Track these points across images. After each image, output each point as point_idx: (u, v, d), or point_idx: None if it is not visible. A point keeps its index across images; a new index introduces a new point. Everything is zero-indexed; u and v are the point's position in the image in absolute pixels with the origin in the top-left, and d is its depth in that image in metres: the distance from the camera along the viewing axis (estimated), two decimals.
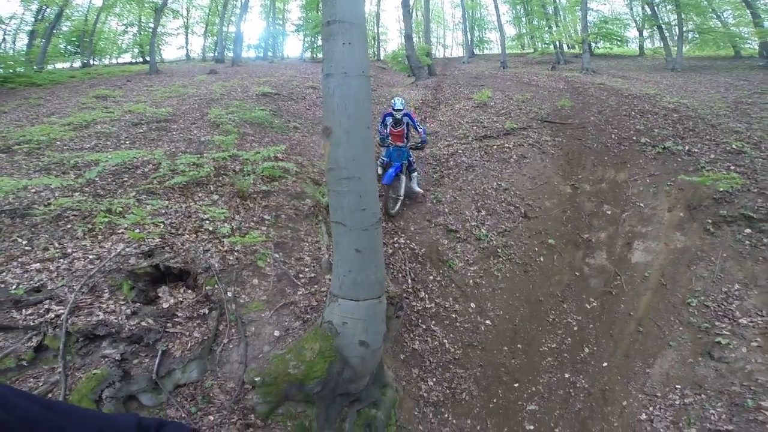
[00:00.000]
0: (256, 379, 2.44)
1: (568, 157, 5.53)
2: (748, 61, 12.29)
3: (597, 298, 4.22)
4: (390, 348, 3.63)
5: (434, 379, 3.78)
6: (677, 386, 3.58)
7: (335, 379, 2.53)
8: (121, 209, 3.30)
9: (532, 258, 4.50)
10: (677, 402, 3.50)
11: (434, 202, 5.26)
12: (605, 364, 3.88)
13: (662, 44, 13.72)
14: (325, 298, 2.96)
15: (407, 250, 4.62)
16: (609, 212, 4.71)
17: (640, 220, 4.53)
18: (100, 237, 3.00)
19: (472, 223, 4.96)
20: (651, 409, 3.54)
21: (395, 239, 4.71)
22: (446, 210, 5.16)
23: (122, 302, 2.53)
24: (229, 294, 2.86)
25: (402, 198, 5.05)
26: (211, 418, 2.41)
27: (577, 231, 4.64)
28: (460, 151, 6.07)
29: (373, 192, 2.44)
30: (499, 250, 4.65)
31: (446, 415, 3.59)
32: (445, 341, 4.06)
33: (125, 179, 3.87)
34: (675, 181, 4.75)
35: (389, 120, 5.19)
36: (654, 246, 4.29)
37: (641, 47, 17.81)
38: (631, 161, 5.21)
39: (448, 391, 3.78)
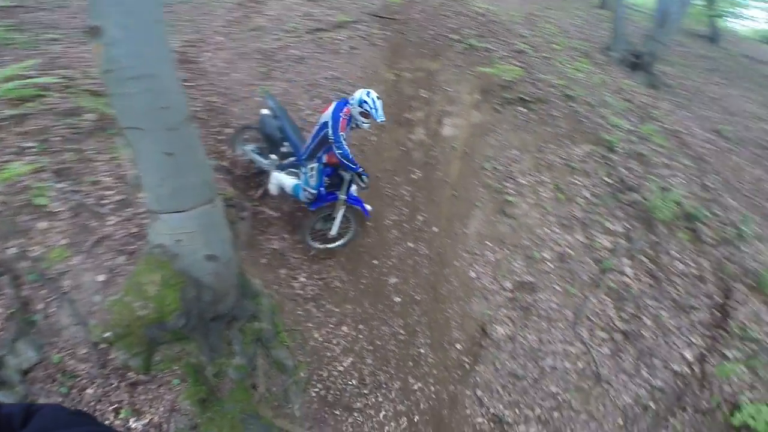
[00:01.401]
0: (106, 335, 2.14)
1: (393, 49, 5.79)
2: None
3: (420, 168, 4.83)
4: (247, 255, 3.42)
5: (304, 275, 3.80)
6: (488, 243, 4.40)
7: (196, 305, 2.30)
8: None
9: (366, 138, 4.77)
10: (491, 258, 4.30)
11: (263, 97, 4.91)
12: (435, 229, 4.51)
13: None
14: (145, 221, 2.48)
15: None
16: (425, 95, 5.25)
17: (448, 101, 5.20)
18: None
19: (307, 112, 4.87)
20: (475, 266, 4.27)
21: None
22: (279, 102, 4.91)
23: None
24: (13, 250, 2.22)
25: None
26: (90, 391, 2.15)
27: (400, 112, 5.07)
28: (290, 45, 5.69)
29: (176, 89, 2.01)
30: None
31: (327, 306, 3.69)
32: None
33: None
34: (474, 71, 5.52)
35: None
36: (458, 122, 5.06)
37: None
38: (443, 54, 5.79)
39: (321, 282, 3.84)
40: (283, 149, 3.80)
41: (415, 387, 3.71)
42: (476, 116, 5.13)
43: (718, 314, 3.87)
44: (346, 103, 3.31)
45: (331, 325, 3.65)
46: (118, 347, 2.19)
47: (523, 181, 4.70)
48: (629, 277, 4.02)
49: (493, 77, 5.43)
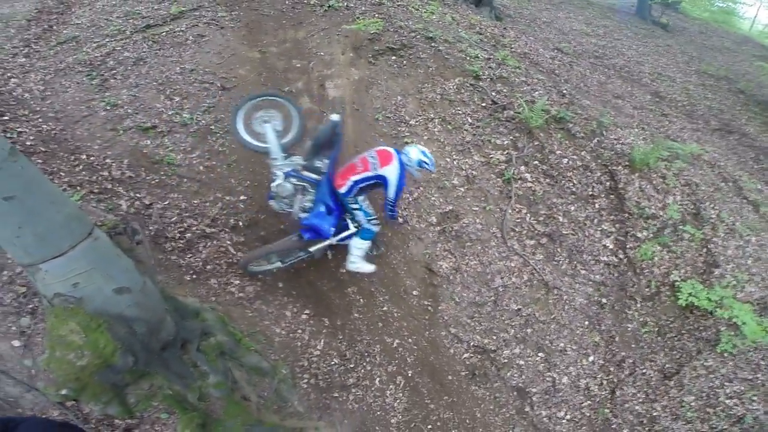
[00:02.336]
0: (63, 392, 2.01)
1: (249, 27, 5.34)
2: None
3: None
4: (166, 277, 3.16)
5: (237, 278, 3.57)
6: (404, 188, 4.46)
7: (135, 339, 2.20)
8: None
9: None
10: (410, 198, 4.36)
11: (109, 108, 4.20)
12: None
13: None
14: (28, 278, 2.31)
15: (104, 172, 3.64)
16: (299, 65, 5.00)
17: (324, 65, 5.03)
18: None
19: (170, 112, 4.29)
20: (399, 211, 4.25)
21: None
22: (129, 111, 4.23)
23: None
24: None
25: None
26: None
27: (278, 86, 4.76)
28: (119, 48, 4.87)
29: None
30: (212, 127, 4.31)
31: (275, 299, 3.59)
32: (225, 237, 3.76)
33: None
34: (341, 31, 5.40)
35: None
36: (340, 82, 4.95)
37: None
38: (306, 20, 5.54)
39: (258, 278, 3.65)
40: (318, 164, 3.39)
41: (395, 344, 3.77)
42: (355, 73, 5.07)
43: (614, 197, 4.55)
44: (403, 162, 3.26)
45: (289, 315, 3.54)
46: (85, 400, 2.14)
47: (414, 122, 4.86)
48: (530, 182, 4.49)
49: (359, 33, 5.38)
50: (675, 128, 6.51)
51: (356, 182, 3.24)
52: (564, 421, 3.79)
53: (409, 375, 3.69)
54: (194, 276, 3.43)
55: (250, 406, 2.79)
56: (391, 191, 3.23)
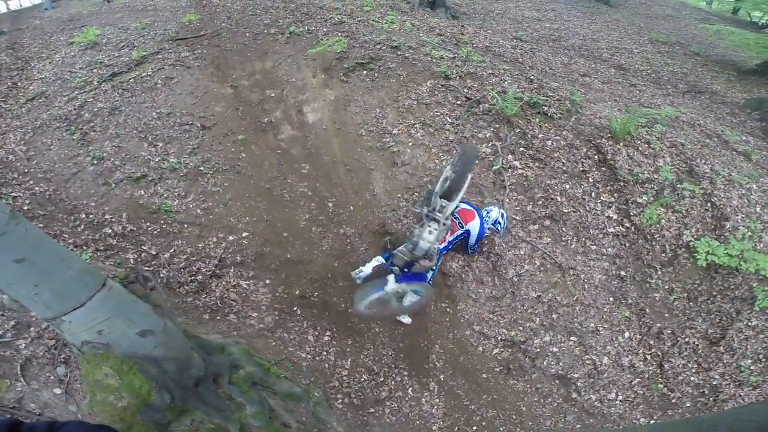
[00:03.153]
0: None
1: (216, 64, 5.33)
2: None
3: (305, 161, 4.61)
4: (186, 319, 3.25)
5: (254, 311, 3.63)
6: (398, 195, 4.44)
7: (168, 378, 2.32)
8: None
9: (235, 157, 4.44)
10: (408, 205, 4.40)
11: (96, 162, 4.14)
12: (351, 207, 4.42)
13: None
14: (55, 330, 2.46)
15: (107, 229, 3.67)
16: (273, 94, 4.99)
17: (298, 91, 5.03)
18: None
19: (157, 159, 4.23)
20: (404, 220, 4.32)
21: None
22: (116, 162, 4.17)
23: None
24: None
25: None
26: None
27: (257, 119, 4.73)
28: (90, 100, 4.79)
29: None
30: (202, 168, 4.30)
31: (296, 326, 3.64)
32: (234, 274, 3.82)
33: None
34: (308, 55, 5.42)
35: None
36: (317, 105, 4.94)
37: None
38: (270, 50, 5.56)
39: (275, 308, 3.71)
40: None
41: (422, 352, 3.68)
42: (330, 93, 5.07)
43: (606, 169, 4.55)
44: (483, 217, 3.72)
45: (312, 339, 3.60)
46: None
47: (396, 131, 4.84)
48: (521, 169, 4.47)
49: (326, 54, 5.41)
50: (646, 96, 6.66)
51: (451, 241, 3.62)
52: (617, 402, 3.65)
53: (442, 379, 3.58)
54: (212, 314, 3.48)
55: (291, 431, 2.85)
56: (473, 240, 3.71)
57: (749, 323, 3.88)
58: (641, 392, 3.70)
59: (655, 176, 4.44)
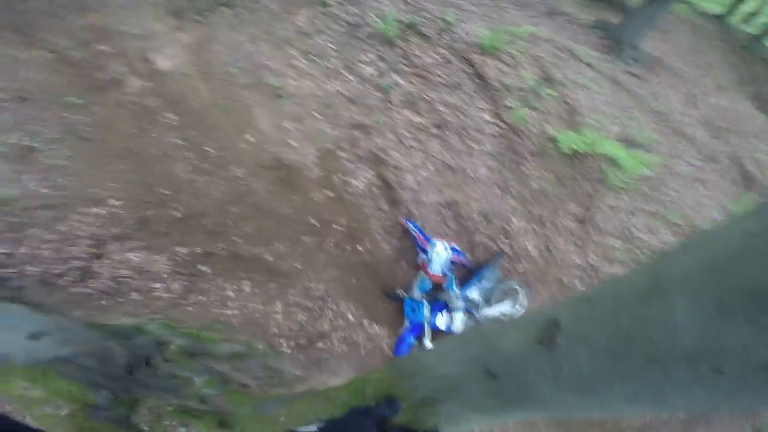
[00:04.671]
0: None
1: (13, 27, 4.23)
2: None
3: (168, 111, 4.02)
4: (85, 311, 2.89)
5: (157, 282, 3.26)
6: (288, 127, 4.19)
7: (93, 374, 2.20)
8: None
9: (74, 124, 3.70)
10: (302, 137, 4.21)
11: None
12: (243, 146, 4.07)
13: None
14: None
15: None
16: (108, 49, 4.22)
17: (141, 40, 4.36)
18: None
19: None
20: (302, 152, 4.11)
21: None
22: None
23: None
24: None
25: None
26: None
27: (91, 78, 3.99)
28: None
29: None
30: (32, 144, 3.55)
31: (207, 286, 3.34)
32: (118, 248, 3.39)
33: None
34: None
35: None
36: (170, 51, 4.37)
37: None
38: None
39: (178, 272, 3.36)
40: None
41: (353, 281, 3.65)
42: (184, 37, 4.51)
43: (478, 80, 4.85)
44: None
45: (232, 294, 3.36)
46: None
47: (276, 65, 4.53)
48: (406, 86, 4.54)
49: None
50: (511, 17, 7.21)
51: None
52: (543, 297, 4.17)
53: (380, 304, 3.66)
54: (110, 298, 3.05)
55: (252, 389, 2.77)
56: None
57: (607, 202, 4.60)
58: (541, 277, 4.18)
59: (520, 83, 4.92)
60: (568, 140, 4.55)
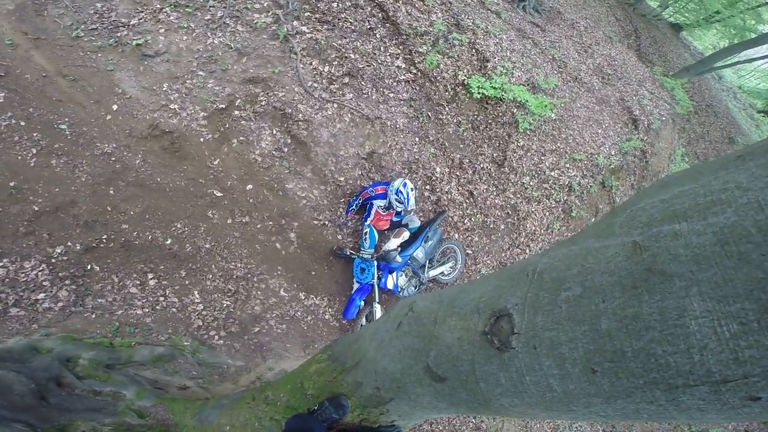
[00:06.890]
0: None
1: None
2: None
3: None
4: None
5: (40, 292, 2.81)
6: (164, 87, 3.57)
7: None
8: None
9: None
10: (183, 98, 3.64)
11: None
12: (107, 116, 3.34)
13: None
14: None
15: None
16: None
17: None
18: None
19: None
20: (188, 115, 3.53)
21: None
22: None
23: None
24: None
25: None
26: None
27: None
28: None
29: None
30: None
31: (103, 286, 2.96)
32: None
33: None
34: None
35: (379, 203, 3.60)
36: None
37: None
38: None
39: (60, 277, 2.92)
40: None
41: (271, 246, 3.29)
42: (6, 2, 3.51)
43: (390, 25, 4.55)
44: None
45: (135, 290, 3.00)
46: None
47: (136, 21, 3.76)
48: (309, 33, 4.10)
49: None
50: None
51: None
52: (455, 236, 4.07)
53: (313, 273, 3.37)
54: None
55: (193, 391, 2.64)
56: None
57: (519, 144, 4.76)
58: (467, 223, 4.21)
59: (431, 29, 4.76)
60: (480, 86, 4.56)
